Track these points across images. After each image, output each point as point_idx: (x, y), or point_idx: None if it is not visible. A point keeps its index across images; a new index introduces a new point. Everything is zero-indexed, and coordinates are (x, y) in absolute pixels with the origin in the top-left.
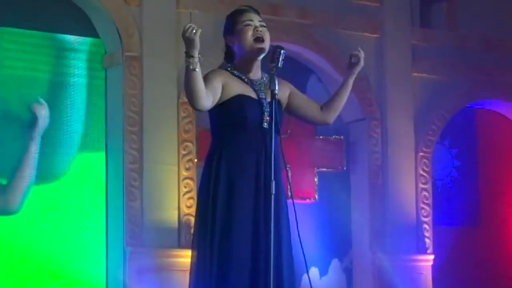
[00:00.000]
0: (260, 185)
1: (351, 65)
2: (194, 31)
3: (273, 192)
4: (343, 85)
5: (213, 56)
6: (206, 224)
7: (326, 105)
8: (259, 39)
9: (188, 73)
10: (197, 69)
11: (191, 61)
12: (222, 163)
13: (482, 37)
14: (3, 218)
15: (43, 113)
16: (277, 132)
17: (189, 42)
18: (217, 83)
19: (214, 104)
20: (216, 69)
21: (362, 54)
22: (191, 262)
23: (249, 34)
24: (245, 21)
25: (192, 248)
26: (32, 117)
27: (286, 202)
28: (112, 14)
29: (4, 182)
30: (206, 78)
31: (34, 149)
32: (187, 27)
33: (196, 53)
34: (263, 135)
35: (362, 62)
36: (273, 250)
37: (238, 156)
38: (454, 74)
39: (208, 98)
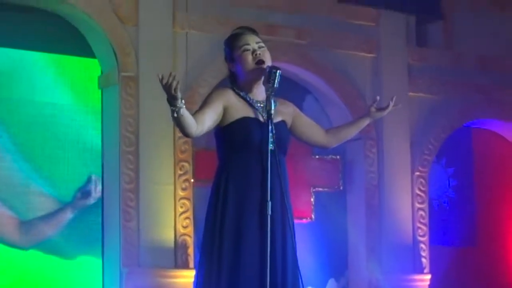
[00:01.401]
0: (267, 206)
1: (377, 109)
2: (174, 87)
3: (269, 213)
4: (357, 123)
5: (210, 75)
6: (213, 246)
7: (332, 133)
8: (260, 62)
9: (173, 117)
10: (182, 113)
11: (174, 109)
12: (229, 186)
13: (478, 56)
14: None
15: (96, 194)
16: (283, 153)
17: (170, 96)
18: (218, 107)
19: (211, 128)
20: (220, 89)
21: (391, 106)
22: (198, 281)
23: (249, 59)
24: (242, 46)
25: (199, 268)
26: (86, 189)
27: (293, 223)
28: (108, 34)
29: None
30: (207, 100)
31: (68, 215)
32: (166, 81)
33: (179, 103)
34: (268, 156)
35: (385, 113)
36: (275, 272)
37: (245, 178)
38: (450, 93)
39: (201, 125)
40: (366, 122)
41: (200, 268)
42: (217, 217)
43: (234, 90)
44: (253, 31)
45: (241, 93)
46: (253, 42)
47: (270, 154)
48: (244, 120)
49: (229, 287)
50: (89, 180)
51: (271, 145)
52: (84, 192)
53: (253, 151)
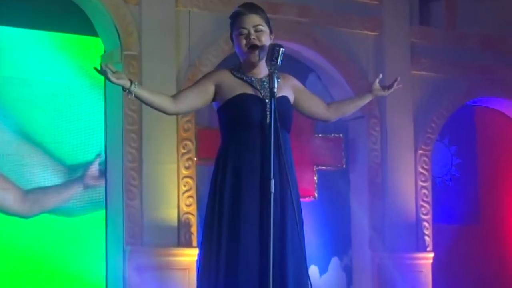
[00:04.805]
0: (266, 183)
1: (381, 87)
2: (107, 75)
3: (273, 191)
4: (359, 99)
5: (212, 54)
6: (212, 225)
7: (334, 107)
8: (252, 48)
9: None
10: (137, 94)
11: (126, 92)
12: (229, 164)
13: (481, 35)
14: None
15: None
16: (286, 129)
17: (112, 82)
18: (206, 86)
19: (199, 106)
20: (215, 70)
21: (395, 86)
22: (200, 259)
23: (243, 44)
24: (238, 29)
25: (201, 246)
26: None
27: (297, 199)
28: (111, 13)
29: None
30: (197, 80)
31: (71, 193)
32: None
33: (127, 87)
34: (269, 132)
35: (388, 92)
36: (273, 249)
37: (244, 155)
38: (453, 72)
39: (180, 103)
40: (368, 99)
41: (202, 246)
42: (216, 196)
43: (231, 71)
44: (255, 9)
45: (237, 74)
46: (250, 24)
47: (272, 131)
48: (241, 96)
49: (228, 265)
50: (98, 159)
51: (275, 121)
52: (95, 171)
53: (254, 128)
